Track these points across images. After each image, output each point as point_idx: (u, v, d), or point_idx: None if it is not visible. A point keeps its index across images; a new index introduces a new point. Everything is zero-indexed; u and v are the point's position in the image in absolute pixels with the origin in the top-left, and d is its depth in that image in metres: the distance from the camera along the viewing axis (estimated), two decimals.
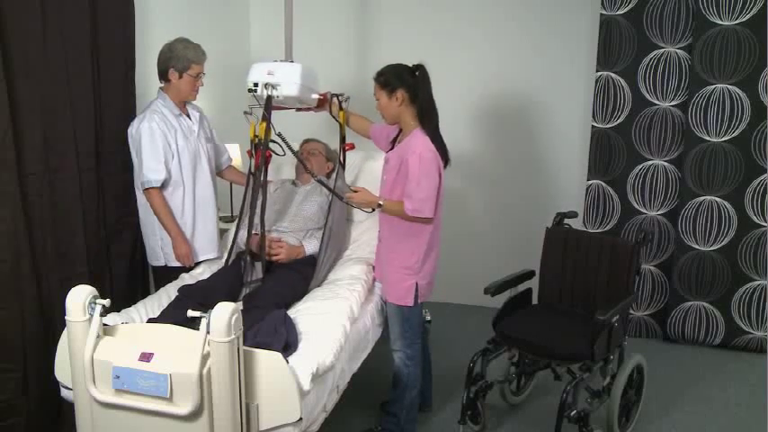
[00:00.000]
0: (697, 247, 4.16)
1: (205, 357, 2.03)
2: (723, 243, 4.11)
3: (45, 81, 2.90)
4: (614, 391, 3.11)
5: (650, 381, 3.54)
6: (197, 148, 3.34)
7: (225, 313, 2.00)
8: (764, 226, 4.02)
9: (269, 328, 2.57)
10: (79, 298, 2.11)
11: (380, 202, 2.96)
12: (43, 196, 2.91)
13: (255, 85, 3.09)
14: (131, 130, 3.22)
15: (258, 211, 3.11)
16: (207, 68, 3.31)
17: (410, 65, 2.96)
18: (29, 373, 2.84)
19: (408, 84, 2.93)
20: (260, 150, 3.13)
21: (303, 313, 2.81)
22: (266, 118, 3.08)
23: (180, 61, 3.20)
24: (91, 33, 3.15)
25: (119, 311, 2.73)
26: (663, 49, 4.03)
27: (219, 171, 3.67)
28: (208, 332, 2.02)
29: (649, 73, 4.08)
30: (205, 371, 2.03)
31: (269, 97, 3.12)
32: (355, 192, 3.00)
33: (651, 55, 4.05)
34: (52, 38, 2.92)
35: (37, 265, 2.89)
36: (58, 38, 2.95)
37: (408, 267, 3.00)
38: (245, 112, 3.19)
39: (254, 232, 3.17)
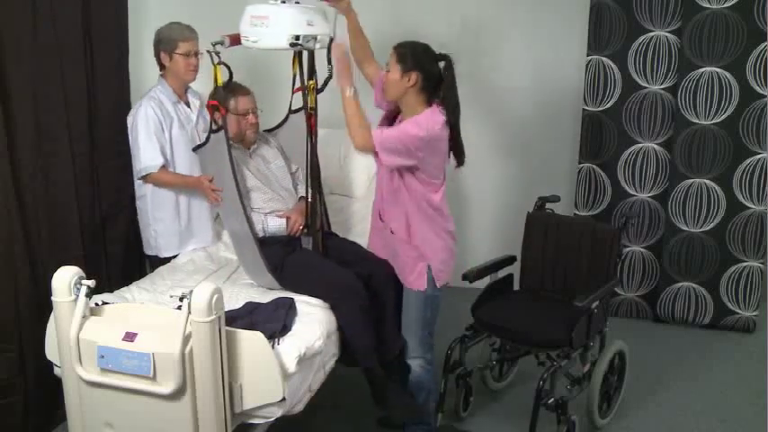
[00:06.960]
0: (686, 228, 4.19)
1: (187, 337, 2.09)
2: (712, 225, 4.14)
3: (36, 66, 2.93)
4: (594, 378, 3.08)
5: (638, 361, 3.57)
6: (193, 137, 3.33)
7: (205, 294, 2.06)
8: (752, 208, 4.06)
9: (269, 309, 2.63)
10: (64, 278, 2.17)
11: (354, 88, 2.72)
12: (36, 180, 2.96)
13: (297, 38, 2.67)
14: (129, 118, 3.26)
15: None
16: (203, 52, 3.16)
17: (437, 51, 2.78)
18: (26, 354, 2.90)
19: (426, 70, 2.74)
20: (312, 116, 2.96)
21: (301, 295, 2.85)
22: (315, 81, 2.91)
23: (167, 43, 3.20)
24: (83, 18, 3.18)
25: (113, 293, 2.79)
26: (652, 33, 4.03)
27: None
28: (189, 312, 2.07)
29: (639, 56, 4.08)
30: (187, 350, 2.09)
31: (312, 53, 2.89)
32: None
33: (641, 39, 4.05)
34: (43, 22, 2.94)
35: (31, 247, 2.94)
36: (49, 23, 2.98)
37: (420, 253, 2.87)
38: (209, 50, 2.77)
39: (279, 214, 3.14)
